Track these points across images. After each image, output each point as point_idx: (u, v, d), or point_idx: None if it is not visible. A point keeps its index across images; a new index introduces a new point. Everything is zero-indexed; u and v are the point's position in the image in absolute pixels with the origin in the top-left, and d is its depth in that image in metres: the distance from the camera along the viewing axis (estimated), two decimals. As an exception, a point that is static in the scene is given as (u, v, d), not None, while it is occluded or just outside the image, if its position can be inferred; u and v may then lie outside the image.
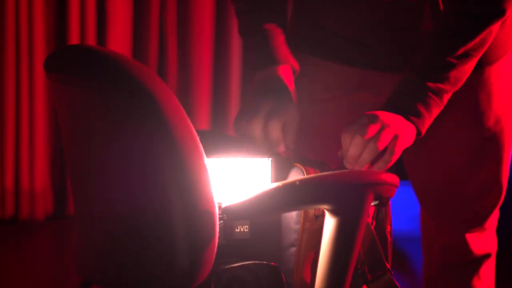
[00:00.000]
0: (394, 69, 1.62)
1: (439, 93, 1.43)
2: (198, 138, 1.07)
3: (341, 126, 1.40)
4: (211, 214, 1.08)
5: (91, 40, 4.40)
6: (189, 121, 1.08)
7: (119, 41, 4.47)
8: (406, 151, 1.78)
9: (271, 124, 1.41)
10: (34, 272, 3.44)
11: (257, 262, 1.25)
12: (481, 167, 1.72)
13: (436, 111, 1.43)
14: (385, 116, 1.37)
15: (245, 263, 1.23)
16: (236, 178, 1.30)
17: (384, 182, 1.15)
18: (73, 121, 1.21)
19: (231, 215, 1.07)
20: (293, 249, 1.30)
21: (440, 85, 1.42)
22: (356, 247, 1.12)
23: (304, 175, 1.29)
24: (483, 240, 1.80)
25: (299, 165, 1.31)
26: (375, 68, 1.64)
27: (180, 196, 1.06)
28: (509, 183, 2.04)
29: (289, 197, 1.09)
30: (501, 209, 1.83)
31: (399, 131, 1.37)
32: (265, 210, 1.10)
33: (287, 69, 1.53)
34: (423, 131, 1.42)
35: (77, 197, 1.28)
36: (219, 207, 1.16)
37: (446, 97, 1.44)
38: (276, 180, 1.31)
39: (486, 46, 1.48)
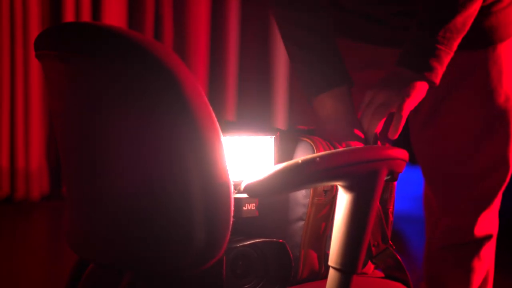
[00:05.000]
0: None
1: (447, 43, 1.47)
2: (213, 114, 1.07)
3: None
4: (227, 192, 1.09)
5: (86, 16, 4.39)
6: (205, 96, 1.07)
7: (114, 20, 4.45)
8: (413, 128, 1.77)
9: None
10: (29, 251, 3.44)
11: (264, 240, 1.25)
12: (488, 144, 1.72)
13: (447, 59, 1.49)
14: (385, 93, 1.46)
15: (253, 241, 1.23)
16: (240, 156, 1.30)
17: (397, 157, 1.17)
18: (74, 100, 1.19)
19: (252, 192, 1.07)
20: (301, 223, 1.30)
21: (448, 34, 1.47)
22: (371, 222, 1.14)
23: (313, 149, 1.30)
24: (485, 221, 1.79)
25: (306, 139, 1.32)
26: (388, 45, 1.64)
27: (199, 174, 1.06)
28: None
29: (309, 173, 1.09)
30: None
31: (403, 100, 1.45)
32: (285, 186, 1.10)
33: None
34: (437, 81, 1.48)
35: (77, 177, 1.26)
36: (239, 184, 1.17)
37: (455, 43, 1.49)
38: (280, 155, 1.32)
39: None
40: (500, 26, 1.63)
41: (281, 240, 1.25)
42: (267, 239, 1.25)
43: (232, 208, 1.09)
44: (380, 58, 1.66)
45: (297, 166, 1.08)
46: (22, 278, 3.03)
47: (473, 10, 1.48)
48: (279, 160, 1.32)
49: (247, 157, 1.30)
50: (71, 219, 1.30)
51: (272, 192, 1.10)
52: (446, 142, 1.74)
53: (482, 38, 1.64)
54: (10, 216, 4.16)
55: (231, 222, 1.09)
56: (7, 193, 4.33)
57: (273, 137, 1.31)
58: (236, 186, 1.20)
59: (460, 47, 1.48)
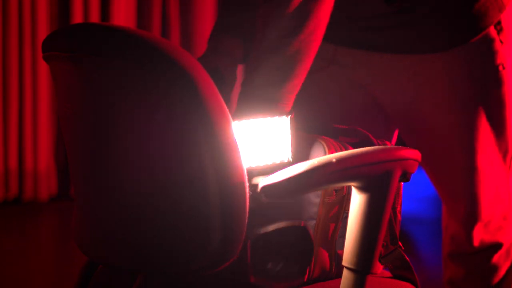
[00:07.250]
0: (366, 46, 1.65)
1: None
2: (227, 108, 1.08)
3: (319, 99, 1.61)
4: (243, 191, 1.09)
5: (94, 17, 4.40)
6: (218, 91, 1.08)
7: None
8: (400, 127, 1.76)
9: None
10: (37, 252, 3.45)
11: (285, 224, 1.24)
12: (458, 152, 1.69)
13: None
14: None
15: (275, 227, 1.23)
16: (256, 140, 1.28)
17: (410, 158, 1.18)
18: (85, 101, 1.19)
19: (269, 194, 1.07)
20: (312, 223, 1.31)
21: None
22: (385, 223, 1.15)
23: (325, 149, 1.30)
24: (489, 230, 1.76)
25: (320, 140, 1.32)
26: (349, 45, 1.65)
27: (215, 174, 1.07)
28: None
29: (325, 174, 1.10)
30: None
31: None
32: (302, 187, 1.11)
33: None
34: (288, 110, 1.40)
35: (87, 178, 1.26)
36: (257, 186, 1.17)
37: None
38: (295, 154, 1.32)
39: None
40: (454, 30, 1.62)
41: (302, 224, 1.25)
42: (289, 223, 1.25)
43: (247, 209, 1.10)
44: (340, 56, 1.67)
45: (313, 168, 1.08)
46: (30, 279, 3.04)
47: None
48: (295, 155, 1.31)
49: (262, 140, 1.28)
50: (80, 220, 1.30)
51: (289, 193, 1.11)
52: (422, 151, 1.70)
53: (445, 36, 1.63)
54: (18, 217, 4.17)
55: (246, 223, 1.10)
56: (16, 194, 4.34)
57: (289, 117, 1.30)
58: (253, 171, 1.21)
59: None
